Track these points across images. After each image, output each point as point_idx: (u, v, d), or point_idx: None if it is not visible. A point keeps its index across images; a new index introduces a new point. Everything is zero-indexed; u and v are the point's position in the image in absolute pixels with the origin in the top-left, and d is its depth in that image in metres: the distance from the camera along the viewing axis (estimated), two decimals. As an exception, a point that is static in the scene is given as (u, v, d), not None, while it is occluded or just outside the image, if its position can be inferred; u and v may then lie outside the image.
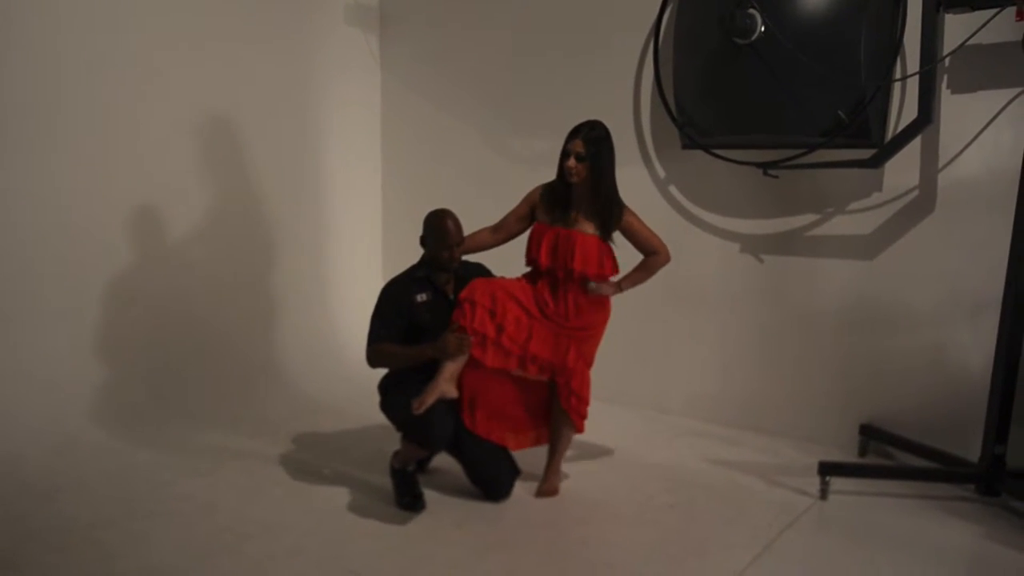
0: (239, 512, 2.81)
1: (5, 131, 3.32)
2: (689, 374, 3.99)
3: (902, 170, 3.31)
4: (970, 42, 2.98)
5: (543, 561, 2.56)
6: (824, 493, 2.99)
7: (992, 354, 2.98)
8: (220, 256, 4.13)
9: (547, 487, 3.02)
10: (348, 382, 3.98)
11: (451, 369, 2.75)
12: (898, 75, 3.27)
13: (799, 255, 3.62)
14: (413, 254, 3.01)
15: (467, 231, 2.95)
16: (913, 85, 3.19)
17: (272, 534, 2.65)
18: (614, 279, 2.96)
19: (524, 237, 3.02)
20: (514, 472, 3.00)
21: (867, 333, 3.48)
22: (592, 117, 2.91)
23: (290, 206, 4.45)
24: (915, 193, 3.32)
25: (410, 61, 4.79)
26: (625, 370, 3.96)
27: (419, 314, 2.89)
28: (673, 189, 3.94)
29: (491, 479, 2.96)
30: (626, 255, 2.97)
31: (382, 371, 2.99)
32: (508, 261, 3.08)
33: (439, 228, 2.87)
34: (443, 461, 3.12)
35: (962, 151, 3.19)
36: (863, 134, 3.25)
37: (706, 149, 3.62)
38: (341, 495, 2.97)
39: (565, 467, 3.13)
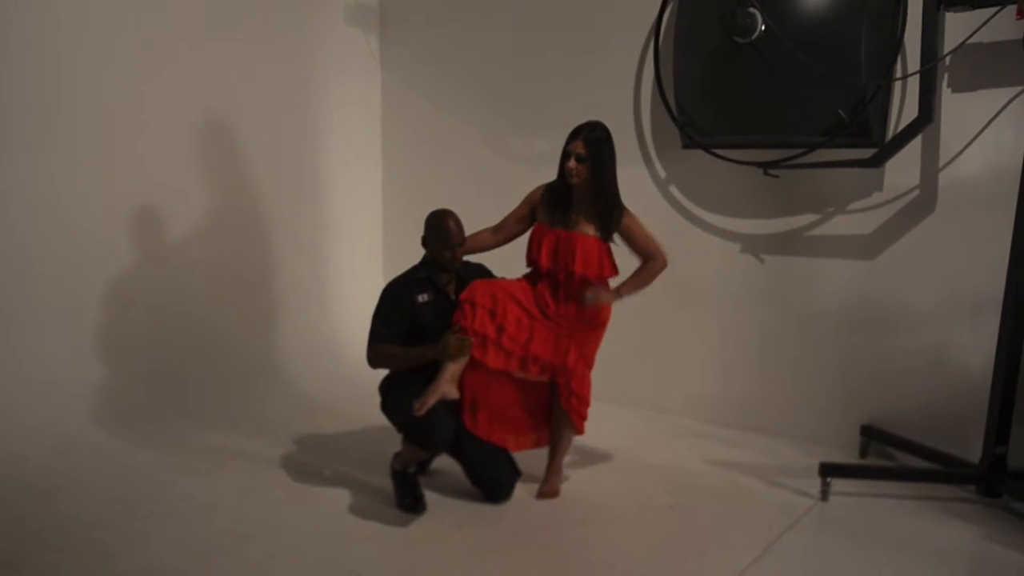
0: (239, 512, 2.81)
1: (5, 131, 3.32)
2: (689, 375, 3.98)
3: (902, 169, 3.31)
4: (970, 41, 2.97)
5: (543, 562, 2.55)
6: (825, 494, 2.98)
7: (993, 354, 2.98)
8: (220, 256, 4.13)
9: (548, 488, 3.01)
10: (348, 382, 3.97)
11: (452, 370, 2.75)
12: (898, 74, 3.26)
13: (799, 255, 3.62)
14: (413, 254, 3.01)
15: (467, 231, 2.94)
16: (914, 84, 3.19)
17: (272, 535, 2.65)
18: (613, 284, 2.95)
19: (525, 238, 3.02)
20: (515, 474, 3.00)
21: (868, 333, 3.48)
22: (593, 116, 2.90)
23: (290, 206, 4.45)
24: (916, 192, 3.32)
25: (410, 61, 4.78)
26: (625, 371, 3.95)
27: (420, 314, 2.88)
28: (673, 189, 3.93)
29: (492, 480, 2.95)
30: (623, 259, 2.96)
31: (383, 372, 2.98)
32: (509, 262, 3.08)
33: (441, 228, 2.86)
34: (444, 463, 3.12)
35: (963, 150, 3.19)
36: (863, 133, 3.24)
37: (706, 149, 3.62)
38: (341, 496, 2.97)
39: (565, 468, 3.12)
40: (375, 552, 2.57)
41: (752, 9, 3.23)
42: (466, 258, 2.99)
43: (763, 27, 3.23)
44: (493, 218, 3.07)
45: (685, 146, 3.73)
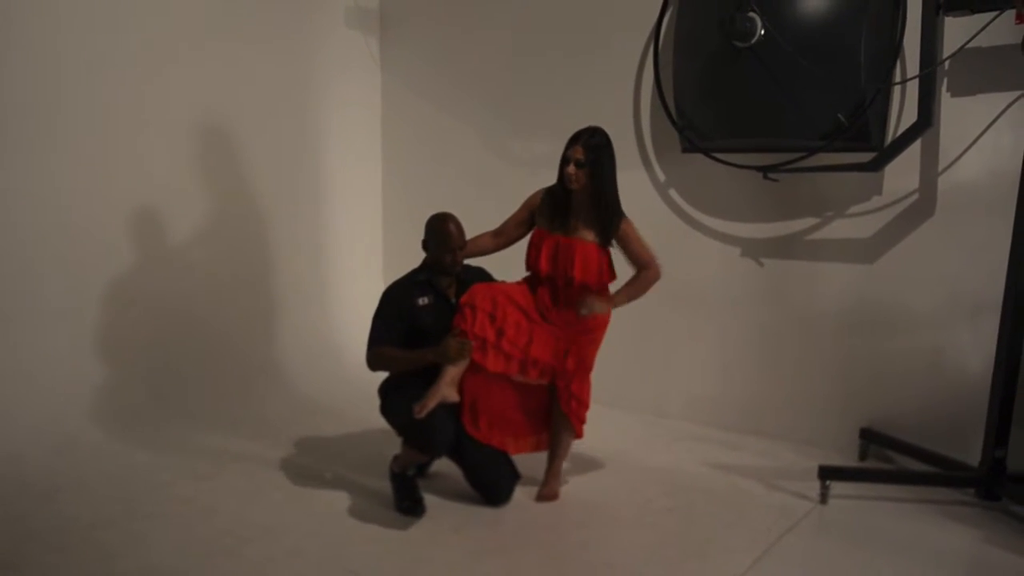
0: (239, 514, 2.81)
1: (5, 131, 3.32)
2: (689, 378, 3.99)
3: (902, 173, 3.31)
4: (970, 45, 2.98)
5: (542, 564, 2.56)
6: (824, 497, 2.99)
7: (992, 357, 2.98)
8: (220, 256, 4.13)
9: (547, 491, 3.01)
10: (348, 384, 3.97)
11: (452, 373, 2.75)
12: (898, 78, 3.27)
13: (799, 259, 3.62)
14: (413, 255, 3.01)
15: (467, 234, 2.94)
16: (913, 88, 3.20)
17: (272, 537, 2.65)
18: (613, 288, 2.96)
19: (525, 242, 3.02)
20: (514, 476, 3.00)
21: (867, 337, 3.48)
22: (592, 119, 2.91)
23: (290, 207, 4.45)
24: (915, 196, 3.32)
25: (410, 62, 4.79)
26: (625, 374, 3.95)
27: (420, 317, 2.88)
28: (673, 193, 3.94)
29: (491, 483, 2.95)
30: (620, 264, 2.97)
31: (382, 374, 2.98)
32: (509, 265, 3.08)
33: (441, 232, 2.87)
34: (443, 465, 3.12)
35: (962, 154, 3.19)
36: (863, 137, 3.25)
37: (706, 153, 3.62)
38: (341, 499, 2.97)
39: (565, 471, 3.12)
40: (374, 554, 2.57)
41: (752, 13, 3.23)
42: (466, 261, 2.99)
43: (762, 31, 3.24)
44: (492, 220, 3.07)
45: (685, 150, 3.73)
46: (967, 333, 3.23)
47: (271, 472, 3.20)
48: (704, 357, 3.93)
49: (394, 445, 2.96)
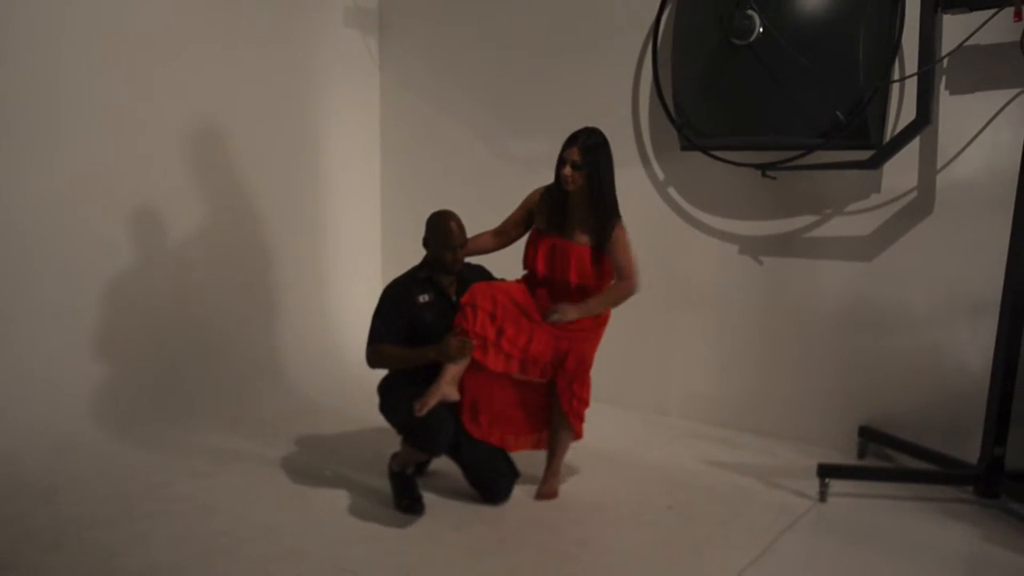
0: (238, 513, 2.81)
1: (5, 131, 3.32)
2: (688, 376, 3.99)
3: (900, 171, 3.31)
4: (968, 43, 2.98)
5: (541, 563, 2.56)
6: (823, 495, 2.99)
7: (991, 355, 2.98)
8: (220, 256, 4.13)
9: (546, 489, 3.02)
10: (347, 383, 3.98)
11: (453, 372, 2.75)
12: (896, 76, 3.27)
13: (798, 256, 3.62)
14: (412, 255, 3.02)
15: (467, 233, 2.94)
16: (911, 86, 3.20)
17: (271, 536, 2.65)
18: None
19: (524, 240, 3.02)
20: (513, 475, 3.00)
21: (866, 335, 3.48)
22: (591, 118, 2.91)
23: (289, 207, 4.45)
24: (913, 194, 3.32)
25: (409, 62, 4.78)
26: (624, 372, 3.95)
27: (421, 315, 2.88)
28: (672, 190, 3.94)
29: (490, 482, 2.95)
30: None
31: (381, 372, 2.98)
32: (510, 264, 3.08)
33: (442, 230, 2.86)
34: (442, 464, 3.12)
35: (961, 152, 3.19)
36: (861, 135, 3.25)
37: (705, 150, 3.62)
38: (340, 497, 2.97)
39: (563, 469, 3.12)
40: (373, 553, 2.57)
41: (750, 11, 3.23)
42: (466, 260, 2.99)
43: (761, 29, 3.23)
44: (491, 219, 3.07)
45: (683, 148, 3.73)
46: (966, 330, 3.23)
47: (270, 471, 3.21)
48: (703, 355, 3.93)
49: (393, 444, 2.96)
